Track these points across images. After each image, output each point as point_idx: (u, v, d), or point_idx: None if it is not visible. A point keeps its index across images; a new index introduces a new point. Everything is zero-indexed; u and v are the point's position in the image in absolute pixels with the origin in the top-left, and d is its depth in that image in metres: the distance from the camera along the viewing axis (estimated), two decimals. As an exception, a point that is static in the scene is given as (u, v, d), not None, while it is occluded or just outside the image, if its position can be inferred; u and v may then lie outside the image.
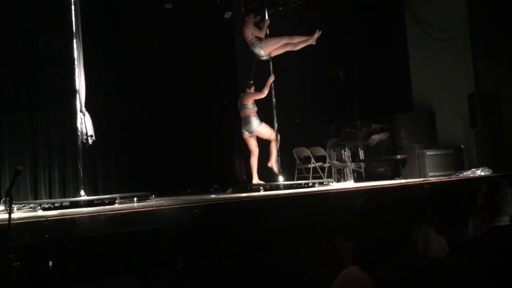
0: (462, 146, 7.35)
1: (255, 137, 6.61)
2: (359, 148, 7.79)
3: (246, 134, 6.60)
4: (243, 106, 6.61)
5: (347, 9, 8.27)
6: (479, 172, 6.18)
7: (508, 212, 2.67)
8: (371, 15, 8.36)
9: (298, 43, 6.62)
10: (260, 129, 6.54)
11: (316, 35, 6.50)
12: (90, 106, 5.18)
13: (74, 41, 5.12)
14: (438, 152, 7.18)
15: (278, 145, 6.50)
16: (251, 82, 6.80)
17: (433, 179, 6.20)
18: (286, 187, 6.08)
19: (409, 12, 8.27)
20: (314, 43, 6.55)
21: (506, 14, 7.00)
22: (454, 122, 7.49)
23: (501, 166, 6.24)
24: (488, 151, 6.65)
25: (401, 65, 8.36)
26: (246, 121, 6.56)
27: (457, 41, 7.53)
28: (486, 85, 7.10)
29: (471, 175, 6.19)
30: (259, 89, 6.68)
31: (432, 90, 7.88)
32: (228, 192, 6.17)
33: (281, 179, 6.43)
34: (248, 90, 6.71)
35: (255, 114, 6.58)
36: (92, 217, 3.31)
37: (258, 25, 6.71)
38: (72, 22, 5.16)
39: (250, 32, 6.57)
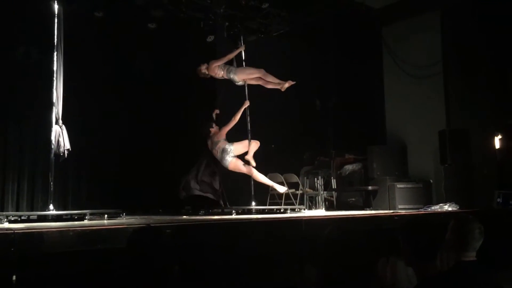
0: (431, 181, 7.51)
1: (238, 161, 6.50)
2: (332, 177, 7.87)
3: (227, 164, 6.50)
4: (215, 144, 6.52)
5: (327, 41, 8.46)
6: (447, 207, 6.33)
7: (475, 247, 2.74)
8: (350, 48, 8.57)
9: (269, 82, 6.64)
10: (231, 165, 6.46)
11: (287, 84, 6.53)
12: (64, 119, 5.13)
13: (55, 53, 5.10)
14: (408, 186, 7.32)
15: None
16: (215, 113, 6.78)
17: (402, 212, 6.31)
18: (258, 211, 6.09)
19: (386, 48, 8.52)
20: (283, 90, 6.57)
21: (478, 57, 7.30)
22: (425, 157, 7.67)
23: (468, 203, 6.40)
24: (456, 187, 6.82)
25: (377, 98, 8.57)
26: (220, 158, 6.50)
27: (430, 79, 7.78)
28: (457, 123, 7.33)
29: (439, 209, 6.33)
30: (229, 118, 6.58)
31: (405, 125, 8.08)
32: (200, 214, 6.14)
33: (253, 204, 6.44)
34: (212, 130, 6.58)
35: (226, 144, 6.49)
36: (61, 232, 3.24)
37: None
38: (54, 34, 5.15)
39: (216, 69, 6.58)
